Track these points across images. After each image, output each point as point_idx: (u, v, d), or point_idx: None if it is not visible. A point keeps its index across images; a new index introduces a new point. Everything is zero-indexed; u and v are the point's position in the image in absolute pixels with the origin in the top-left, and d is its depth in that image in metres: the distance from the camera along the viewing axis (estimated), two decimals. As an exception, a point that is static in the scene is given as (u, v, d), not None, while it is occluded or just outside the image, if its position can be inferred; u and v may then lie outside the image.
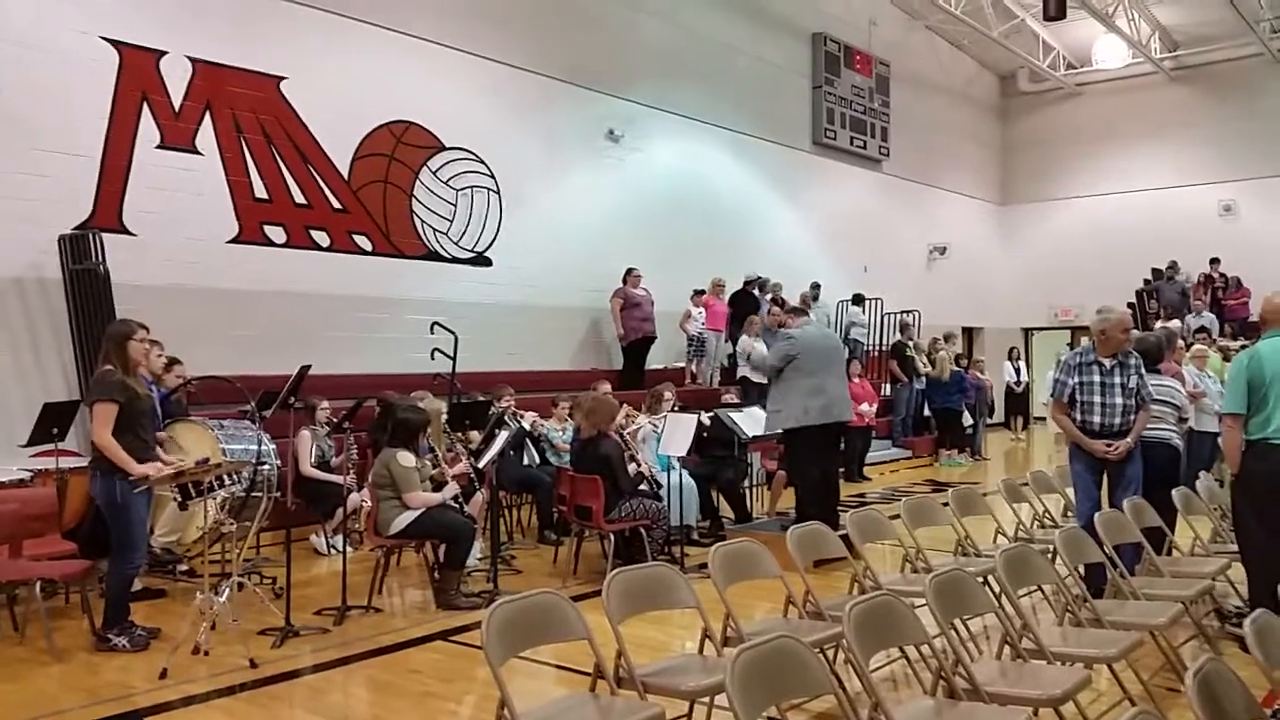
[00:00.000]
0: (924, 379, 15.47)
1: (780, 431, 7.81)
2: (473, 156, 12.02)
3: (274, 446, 6.88)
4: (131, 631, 5.32)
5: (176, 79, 9.38)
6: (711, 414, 8.71)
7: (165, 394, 6.87)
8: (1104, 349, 5.75)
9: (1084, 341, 6.40)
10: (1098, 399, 5.68)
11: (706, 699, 3.83)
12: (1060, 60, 21.35)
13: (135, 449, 5.24)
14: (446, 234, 11.77)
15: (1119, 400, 5.68)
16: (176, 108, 9.40)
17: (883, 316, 16.97)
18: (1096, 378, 5.71)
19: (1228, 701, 2.55)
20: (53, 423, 6.62)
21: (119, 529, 5.27)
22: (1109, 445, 5.62)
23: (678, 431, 7.69)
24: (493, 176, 12.22)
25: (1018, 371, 19.01)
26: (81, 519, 6.18)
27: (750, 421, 8.45)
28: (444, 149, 11.72)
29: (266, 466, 6.56)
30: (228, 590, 5.43)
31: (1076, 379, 5.75)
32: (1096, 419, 5.68)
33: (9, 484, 6.10)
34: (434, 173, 11.63)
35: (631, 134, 13.96)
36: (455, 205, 11.85)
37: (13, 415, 7.44)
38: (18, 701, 4.55)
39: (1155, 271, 19.23)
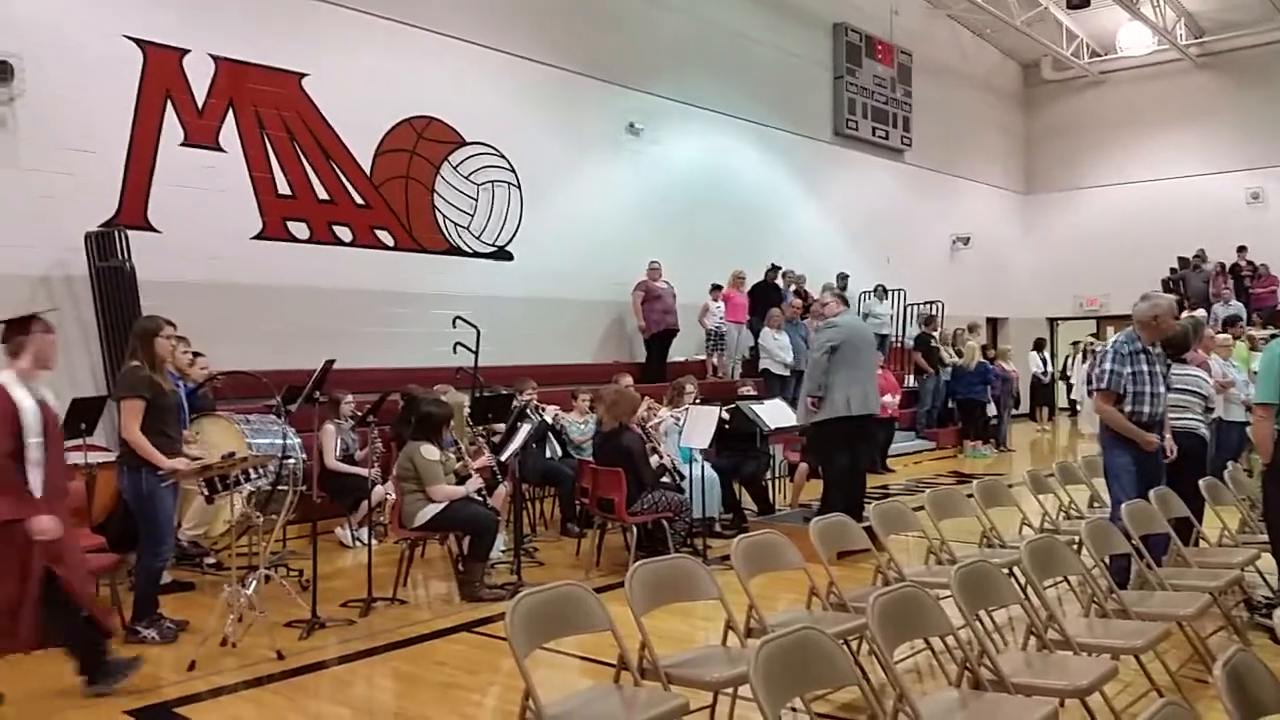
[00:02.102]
0: (949, 370, 15.37)
1: (809, 423, 7.75)
2: (493, 151, 12.04)
3: (299, 440, 6.93)
4: (160, 624, 5.38)
5: (200, 77, 9.46)
6: (733, 406, 8.70)
7: (191, 389, 6.93)
8: (1151, 336, 5.64)
9: (1113, 332, 6.29)
10: (1148, 389, 5.56)
11: (730, 690, 3.83)
12: (1084, 48, 21.12)
13: (162, 444, 5.29)
14: (468, 229, 11.81)
15: (1161, 389, 5.61)
16: (200, 105, 9.47)
17: (905, 308, 16.88)
18: (1145, 367, 5.60)
19: (1257, 692, 2.53)
20: (81, 418, 6.69)
21: (147, 523, 5.33)
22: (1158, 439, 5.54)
23: (699, 424, 7.68)
24: (513, 171, 12.24)
25: (1045, 362, 18.84)
26: (110, 513, 6.26)
27: (772, 413, 8.43)
28: (465, 144, 11.75)
29: (292, 460, 6.61)
30: (255, 583, 5.47)
31: (1130, 368, 5.56)
32: (1146, 409, 5.53)
33: (39, 479, 6.16)
34: (455, 168, 11.66)
35: (652, 127, 13.94)
36: (476, 200, 11.88)
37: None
38: (49, 692, 4.61)
39: (1182, 260, 19.02)
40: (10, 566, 4.22)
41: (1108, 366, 5.59)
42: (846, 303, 8.40)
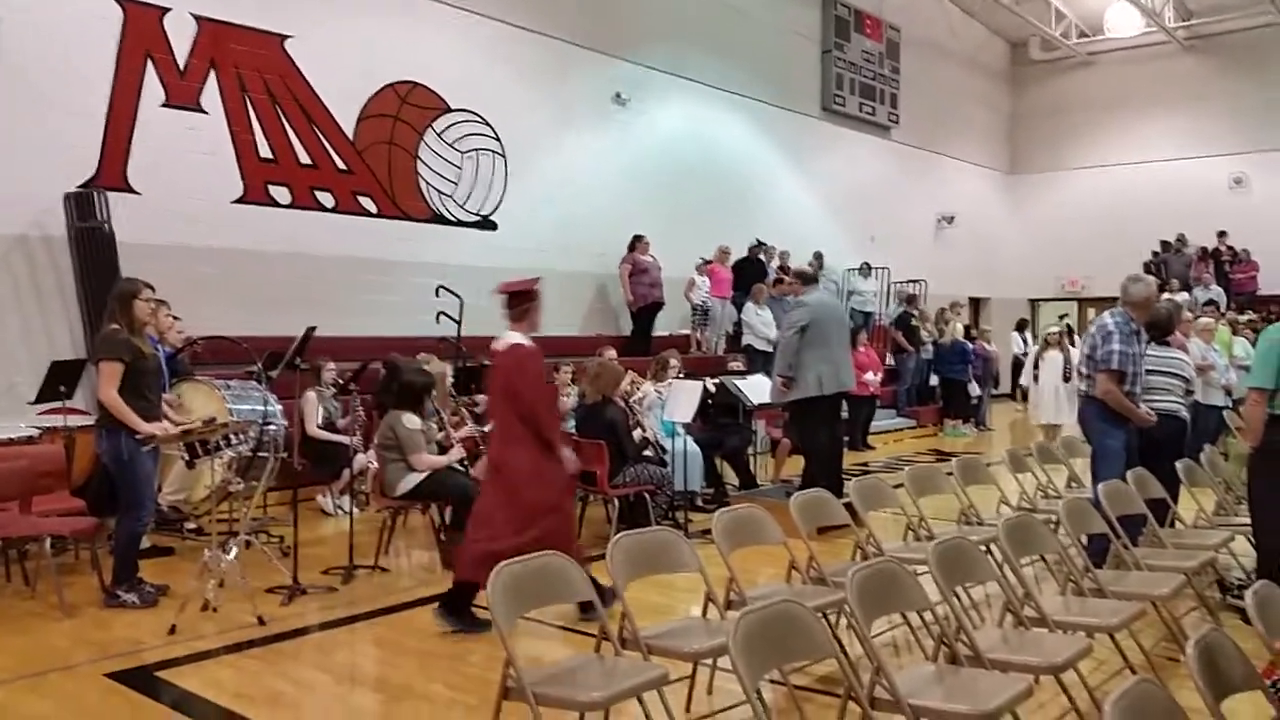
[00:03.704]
0: (930, 348, 15.44)
1: (782, 402, 7.80)
2: (478, 118, 11.93)
3: (280, 407, 6.90)
4: (140, 588, 5.37)
5: (181, 37, 9.30)
6: (717, 381, 8.71)
7: (171, 353, 6.88)
8: (1142, 317, 5.66)
9: (1094, 314, 6.31)
10: (1140, 369, 5.60)
11: (709, 661, 3.87)
12: (1072, 29, 21.10)
13: (141, 408, 5.26)
14: (451, 197, 11.72)
15: (1143, 370, 5.66)
16: (181, 66, 9.33)
17: (889, 285, 16.91)
18: (1138, 348, 5.62)
19: (1228, 671, 2.57)
20: (60, 380, 6.64)
21: (126, 486, 5.31)
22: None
23: (683, 398, 7.70)
24: (498, 139, 12.14)
25: (1026, 343, 18.95)
26: (89, 477, 6.22)
27: (755, 389, 8.46)
28: (449, 110, 11.63)
29: (273, 427, 6.57)
30: (235, 549, 5.46)
31: (1132, 348, 5.57)
32: (1138, 389, 5.59)
33: (18, 441, 6.15)
34: (439, 134, 11.56)
35: (638, 98, 13.85)
36: (460, 168, 11.79)
37: (20, 373, 7.46)
38: (30, 655, 4.61)
39: (1164, 244, 19.15)
40: (557, 503, 4.82)
41: (1116, 347, 5.58)
42: (817, 281, 8.39)
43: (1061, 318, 19.79)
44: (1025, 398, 15.45)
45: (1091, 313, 21.01)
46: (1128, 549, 4.79)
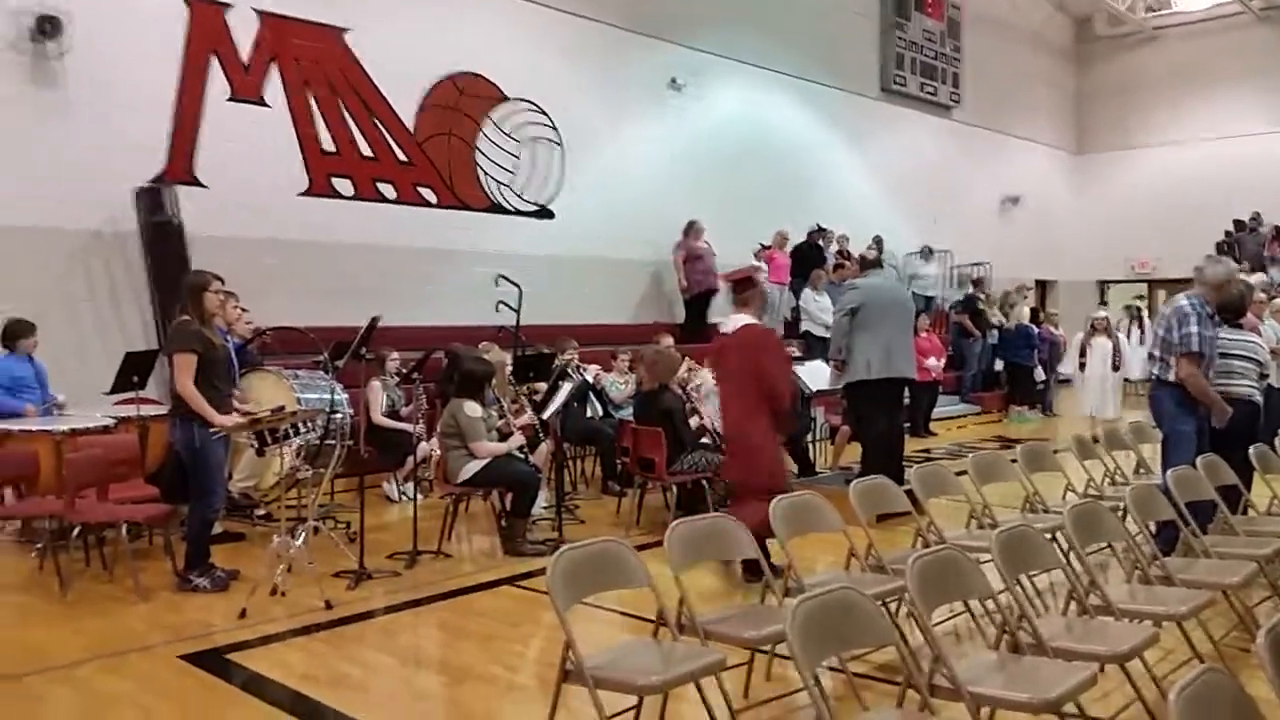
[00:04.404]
0: (996, 333, 15.16)
1: (843, 386, 7.73)
2: (535, 108, 11.99)
3: (346, 396, 7.03)
4: (212, 573, 5.53)
5: (244, 32, 9.50)
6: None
7: (240, 344, 7.05)
8: (1218, 299, 5.50)
9: (1164, 296, 6.15)
10: (1214, 353, 5.45)
11: (767, 647, 3.87)
12: (1139, 2, 20.49)
13: (212, 398, 5.40)
14: (509, 186, 11.80)
15: (1216, 353, 5.51)
16: (245, 61, 9.53)
17: (952, 269, 16.64)
18: (1211, 331, 5.47)
19: (1302, 662, 2.50)
20: (133, 371, 6.84)
21: (198, 474, 5.46)
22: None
23: (740, 384, 7.66)
24: (555, 128, 12.19)
25: None
26: (162, 465, 6.41)
27: (814, 376, 8.40)
28: (506, 100, 11.71)
29: (339, 415, 6.70)
30: (304, 534, 5.60)
31: (1208, 331, 5.44)
32: (1211, 374, 5.44)
33: (94, 430, 6.34)
34: (497, 124, 11.64)
35: (695, 83, 13.79)
36: (518, 157, 11.86)
37: (95, 364, 7.69)
38: (108, 636, 4.78)
39: (1237, 223, 18.52)
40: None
41: (1193, 329, 5.45)
42: (879, 265, 8.27)
43: (1138, 298, 19.35)
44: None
45: (1162, 295, 20.44)
46: (1197, 536, 4.67)
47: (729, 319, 5.67)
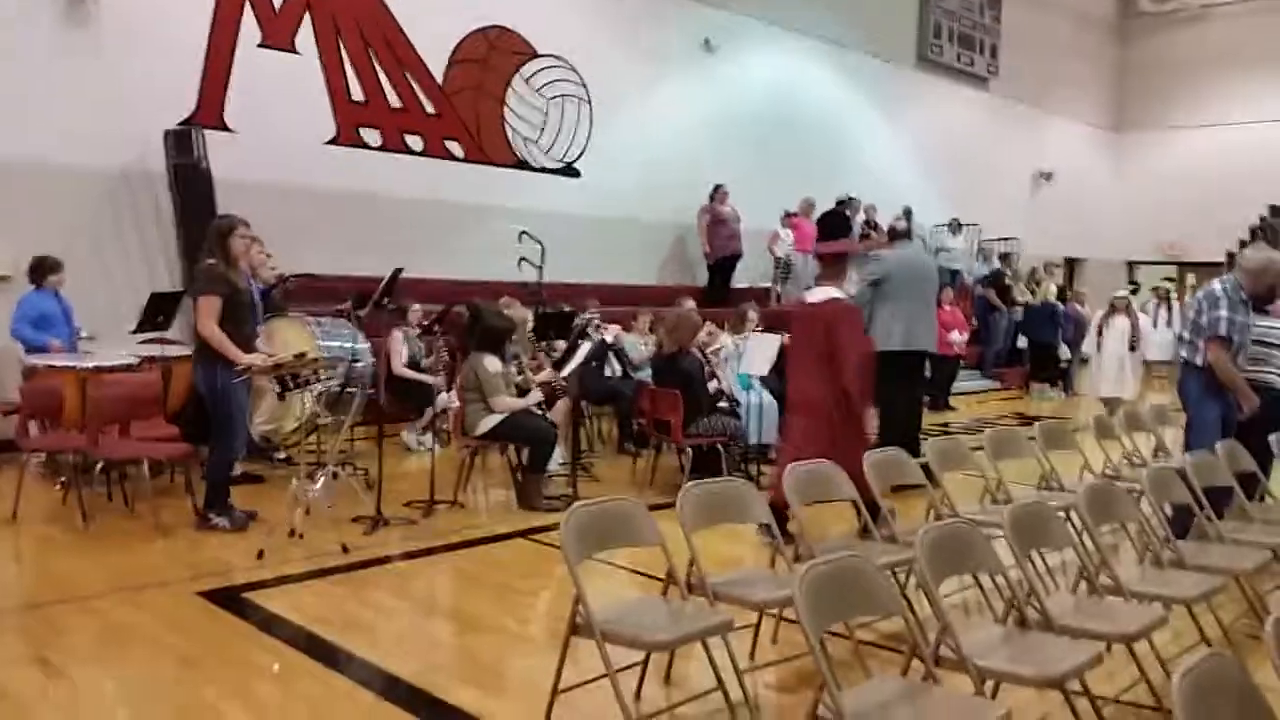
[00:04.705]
0: (1020, 309, 15.02)
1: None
2: (565, 64, 11.90)
3: (368, 345, 7.07)
4: (231, 513, 5.61)
5: (278, -23, 9.47)
6: (795, 335, 8.63)
7: (264, 290, 7.09)
8: (1253, 285, 5.42)
9: (1193, 279, 6.06)
10: (1246, 339, 5.38)
11: (775, 611, 3.90)
12: (1189, -22, 20.07)
13: (235, 341, 5.44)
14: (536, 143, 11.76)
15: (1249, 341, 5.45)
16: (277, 6, 9.49)
17: (980, 243, 16.48)
18: (1244, 317, 5.39)
19: (1310, 650, 2.50)
20: (158, 311, 6.91)
21: (220, 416, 5.53)
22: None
23: (759, 351, 7.67)
24: (584, 86, 12.10)
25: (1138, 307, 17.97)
26: (184, 404, 6.49)
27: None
28: (537, 56, 11.63)
29: (360, 364, 6.75)
30: (323, 479, 5.67)
31: (1240, 317, 5.36)
32: (1242, 360, 5.38)
33: (118, 368, 6.42)
34: (526, 80, 11.57)
35: (728, 46, 13.64)
36: (546, 114, 11.80)
37: (121, 302, 7.77)
38: (128, 570, 4.87)
39: (1273, 209, 18.24)
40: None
41: (1223, 313, 5.37)
42: (908, 237, 8.17)
43: (1165, 280, 19.09)
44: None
45: (1192, 278, 20.19)
46: (1211, 521, 4.65)
47: (814, 289, 5.76)
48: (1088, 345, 12.23)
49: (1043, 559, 4.79)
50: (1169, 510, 4.63)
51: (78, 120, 8.21)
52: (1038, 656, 3.00)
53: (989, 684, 2.97)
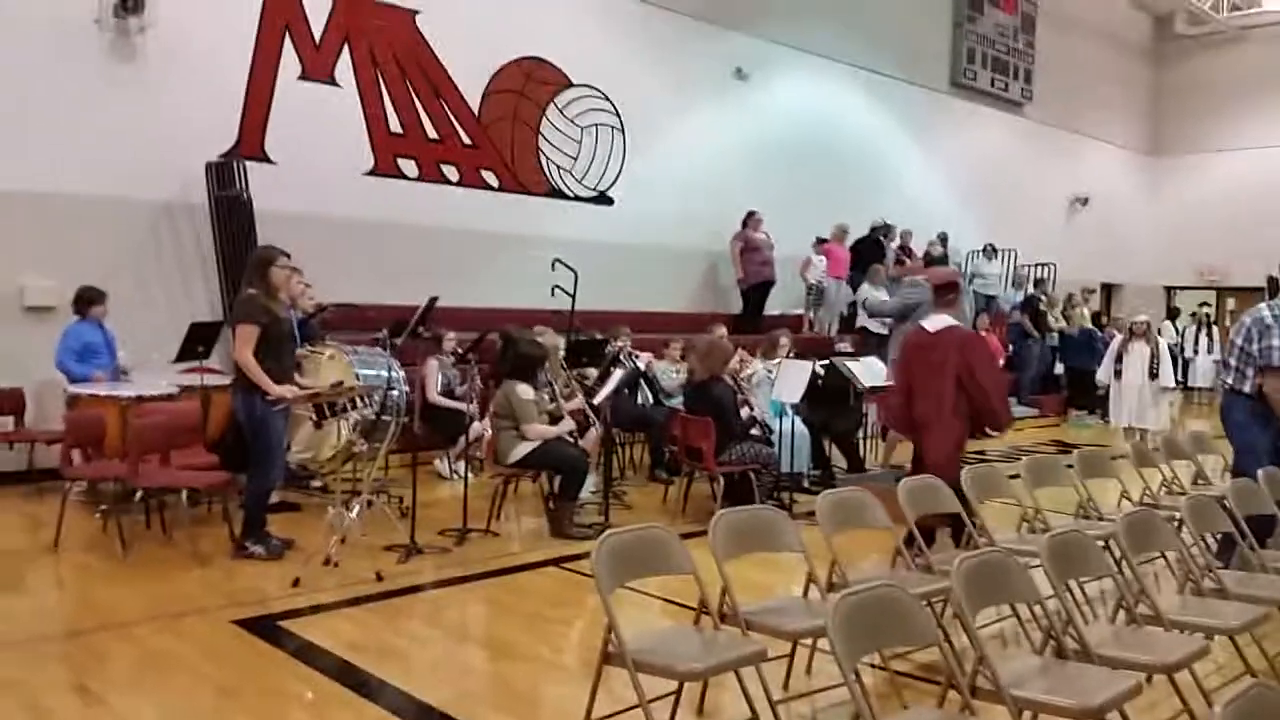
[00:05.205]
0: (1056, 335, 14.86)
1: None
2: (599, 94, 12.02)
3: (403, 374, 7.13)
4: (268, 541, 5.67)
5: (317, 10, 9.66)
6: (827, 362, 8.62)
7: (302, 319, 7.19)
8: None
9: (1234, 304, 6.00)
10: None
11: (809, 641, 3.87)
12: (1223, 1, 19.88)
13: (274, 371, 5.52)
14: (570, 172, 11.86)
15: None
16: (317, 39, 9.69)
17: (1015, 268, 16.35)
18: None
19: (1358, 683, 2.45)
20: (199, 341, 7.02)
21: (258, 444, 5.59)
22: None
23: (792, 378, 7.66)
24: (618, 114, 12.21)
25: (1177, 333, 17.60)
26: (223, 433, 6.57)
27: (867, 372, 8.33)
28: (571, 85, 11.75)
29: (396, 392, 6.81)
30: (358, 507, 5.72)
31: None
32: None
33: (158, 397, 6.52)
34: (561, 110, 11.69)
35: (760, 73, 13.70)
36: (580, 143, 11.91)
37: (162, 332, 7.90)
38: (166, 599, 4.93)
39: (1315, 232, 17.92)
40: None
41: (1275, 342, 5.33)
42: (945, 261, 8.18)
43: (1202, 305, 18.82)
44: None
45: (1231, 303, 19.88)
46: (1254, 550, 4.57)
47: (931, 318, 5.90)
48: (1102, 373, 11.67)
49: (1081, 589, 4.72)
50: (1214, 538, 4.55)
51: (123, 153, 8.39)
52: (1076, 687, 2.95)
53: (1026, 715, 2.93)
